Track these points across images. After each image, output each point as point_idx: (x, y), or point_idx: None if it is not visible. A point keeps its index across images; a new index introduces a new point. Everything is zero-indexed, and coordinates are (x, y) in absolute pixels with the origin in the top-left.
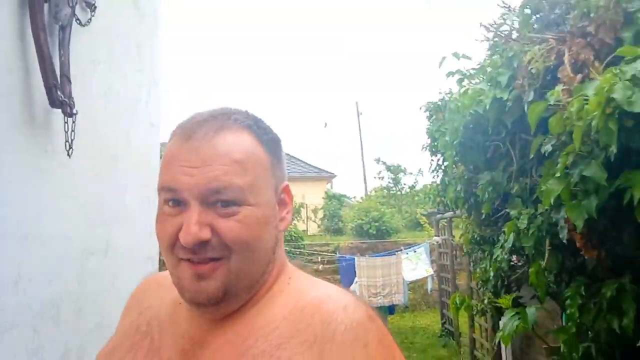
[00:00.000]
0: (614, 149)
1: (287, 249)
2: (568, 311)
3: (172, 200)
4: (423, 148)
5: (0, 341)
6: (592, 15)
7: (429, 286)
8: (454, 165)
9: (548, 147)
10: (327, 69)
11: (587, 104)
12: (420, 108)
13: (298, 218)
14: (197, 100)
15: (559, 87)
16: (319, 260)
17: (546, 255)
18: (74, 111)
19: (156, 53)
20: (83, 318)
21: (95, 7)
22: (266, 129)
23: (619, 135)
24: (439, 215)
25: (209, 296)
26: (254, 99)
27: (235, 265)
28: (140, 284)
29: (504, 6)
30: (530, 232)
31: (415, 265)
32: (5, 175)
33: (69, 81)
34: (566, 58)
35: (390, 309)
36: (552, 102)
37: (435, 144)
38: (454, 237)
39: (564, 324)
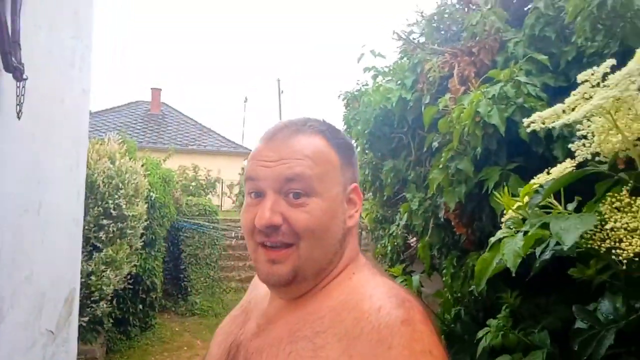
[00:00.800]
0: (479, 149)
1: (200, 222)
2: (444, 279)
3: (254, 192)
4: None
5: None
6: (477, 38)
7: None
8: (364, 152)
9: (435, 144)
10: (251, 44)
11: (463, 112)
12: (339, 96)
13: (213, 193)
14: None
15: (447, 96)
16: (233, 235)
17: (429, 231)
18: (24, 76)
19: (90, 19)
20: (16, 269)
21: None
22: (339, 134)
23: (482, 139)
24: None
25: (280, 278)
26: (176, 71)
27: (304, 252)
28: None
29: (418, 12)
30: (420, 212)
31: None
32: None
33: (20, 47)
34: (455, 71)
35: None
36: (441, 108)
37: (349, 130)
38: (363, 218)
39: None
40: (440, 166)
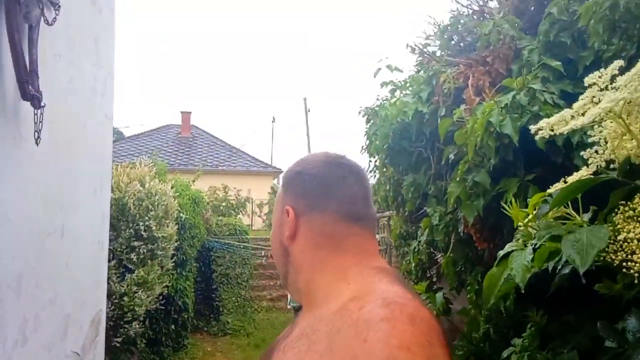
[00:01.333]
0: (492, 160)
1: (231, 242)
2: (468, 295)
3: None
4: (362, 150)
5: None
6: (491, 47)
7: None
8: (384, 167)
9: (451, 156)
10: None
11: (476, 123)
12: (359, 112)
13: (243, 212)
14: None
15: (462, 107)
16: (263, 254)
17: (451, 247)
18: (42, 104)
19: (111, 47)
20: (40, 292)
21: (60, 7)
22: (296, 166)
23: (498, 149)
24: (378, 214)
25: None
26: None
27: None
28: None
29: (434, 23)
30: (441, 227)
31: None
32: None
33: (37, 76)
34: (470, 82)
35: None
36: (455, 119)
37: (371, 145)
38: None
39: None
40: (458, 179)
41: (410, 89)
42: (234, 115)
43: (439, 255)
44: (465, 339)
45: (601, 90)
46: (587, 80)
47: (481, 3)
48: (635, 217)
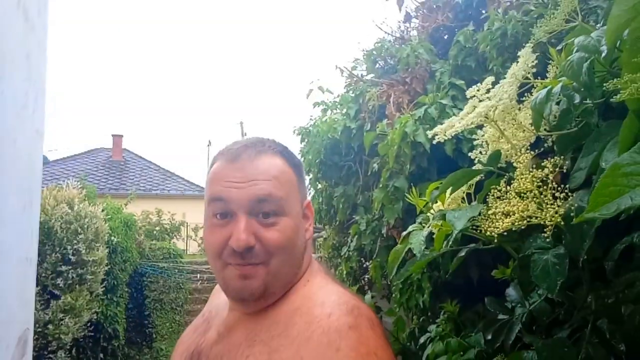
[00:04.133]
0: (409, 167)
1: (164, 266)
2: (393, 295)
3: (220, 213)
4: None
5: None
6: (409, 69)
7: None
8: (317, 182)
9: (375, 166)
10: (213, 88)
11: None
12: (294, 131)
13: (178, 236)
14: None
15: (385, 121)
16: (198, 278)
17: (377, 250)
18: None
19: (43, 63)
20: None
21: None
22: (292, 154)
23: (414, 157)
24: (315, 234)
25: (252, 293)
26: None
27: (273, 268)
28: None
29: (359, 48)
30: (368, 232)
31: None
32: None
33: None
34: (391, 100)
35: None
36: (379, 132)
37: (307, 164)
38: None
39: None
40: (381, 185)
41: (339, 107)
42: (168, 140)
43: (368, 263)
44: (393, 338)
45: (480, 100)
46: (468, 92)
47: (402, 30)
48: (500, 197)
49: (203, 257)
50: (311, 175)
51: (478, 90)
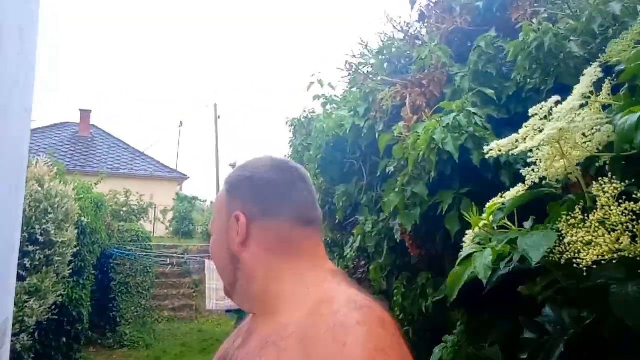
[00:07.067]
0: (432, 174)
1: (132, 248)
2: (394, 298)
3: None
4: (286, 158)
5: None
6: (426, 71)
7: None
8: (315, 177)
9: (391, 169)
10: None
11: (418, 139)
12: (286, 123)
13: (145, 218)
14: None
15: (401, 124)
16: (168, 262)
17: (384, 253)
18: None
19: (34, 37)
20: None
21: None
22: (243, 170)
23: (437, 164)
24: None
25: (225, 290)
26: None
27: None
28: None
29: (362, 44)
30: (373, 234)
31: None
32: None
33: None
34: (407, 101)
35: (241, 312)
36: (395, 134)
37: (297, 155)
38: None
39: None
40: (397, 190)
41: (344, 104)
42: (138, 118)
43: (363, 262)
44: None
45: (541, 119)
46: (532, 111)
47: (412, 31)
48: (576, 225)
49: (170, 240)
50: (309, 171)
51: (541, 109)
